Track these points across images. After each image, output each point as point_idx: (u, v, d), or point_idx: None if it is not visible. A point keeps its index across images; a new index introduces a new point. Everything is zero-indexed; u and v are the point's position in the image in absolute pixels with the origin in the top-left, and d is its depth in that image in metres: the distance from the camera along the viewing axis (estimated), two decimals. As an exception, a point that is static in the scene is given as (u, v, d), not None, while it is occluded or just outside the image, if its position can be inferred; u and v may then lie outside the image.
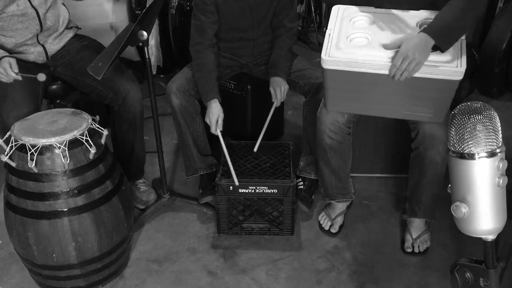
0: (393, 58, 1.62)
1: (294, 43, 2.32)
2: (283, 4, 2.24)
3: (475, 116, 1.13)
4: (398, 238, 2.18)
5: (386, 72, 1.63)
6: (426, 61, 1.60)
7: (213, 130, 2.12)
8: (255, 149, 2.24)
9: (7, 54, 1.90)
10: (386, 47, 1.66)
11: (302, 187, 2.37)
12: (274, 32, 2.31)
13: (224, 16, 2.19)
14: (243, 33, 2.27)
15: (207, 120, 2.12)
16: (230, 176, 2.08)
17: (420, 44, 1.59)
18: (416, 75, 1.61)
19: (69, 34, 2.22)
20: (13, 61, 1.87)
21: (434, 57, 1.61)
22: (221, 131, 2.11)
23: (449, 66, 1.59)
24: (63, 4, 2.18)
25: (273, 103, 2.22)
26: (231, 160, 2.11)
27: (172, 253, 2.12)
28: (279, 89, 2.19)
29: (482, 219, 1.17)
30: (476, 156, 1.13)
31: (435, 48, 1.61)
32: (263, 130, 2.24)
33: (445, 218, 2.10)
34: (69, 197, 1.70)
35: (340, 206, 2.23)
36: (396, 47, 1.63)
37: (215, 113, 2.10)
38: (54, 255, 1.76)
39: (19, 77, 1.87)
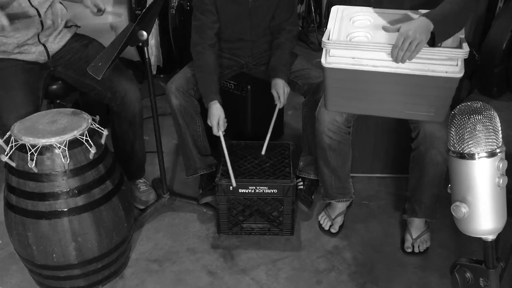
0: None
1: (294, 45, 2.32)
2: (283, 8, 2.24)
3: (475, 116, 1.13)
4: (398, 238, 2.18)
5: (387, 70, 1.63)
6: (426, 55, 1.59)
7: (215, 132, 2.11)
8: (263, 152, 2.26)
9: None
10: (385, 29, 1.65)
11: (302, 187, 2.37)
12: (274, 35, 2.31)
13: (223, 18, 2.20)
14: (242, 35, 2.28)
15: (209, 123, 2.12)
16: (230, 176, 2.08)
17: (421, 25, 1.57)
18: (416, 73, 1.60)
19: (69, 33, 2.22)
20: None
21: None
22: (223, 133, 2.12)
23: (449, 64, 1.59)
24: (60, 2, 2.18)
25: (275, 105, 2.23)
26: (231, 161, 2.11)
27: (172, 253, 2.12)
28: (281, 91, 2.20)
29: (482, 219, 1.17)
30: (476, 156, 1.13)
31: (429, 43, 1.60)
32: (269, 132, 2.26)
33: (445, 218, 2.10)
34: (69, 197, 1.70)
35: (340, 206, 2.23)
36: (395, 29, 1.62)
37: (216, 114, 2.09)
38: (54, 255, 1.75)
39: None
